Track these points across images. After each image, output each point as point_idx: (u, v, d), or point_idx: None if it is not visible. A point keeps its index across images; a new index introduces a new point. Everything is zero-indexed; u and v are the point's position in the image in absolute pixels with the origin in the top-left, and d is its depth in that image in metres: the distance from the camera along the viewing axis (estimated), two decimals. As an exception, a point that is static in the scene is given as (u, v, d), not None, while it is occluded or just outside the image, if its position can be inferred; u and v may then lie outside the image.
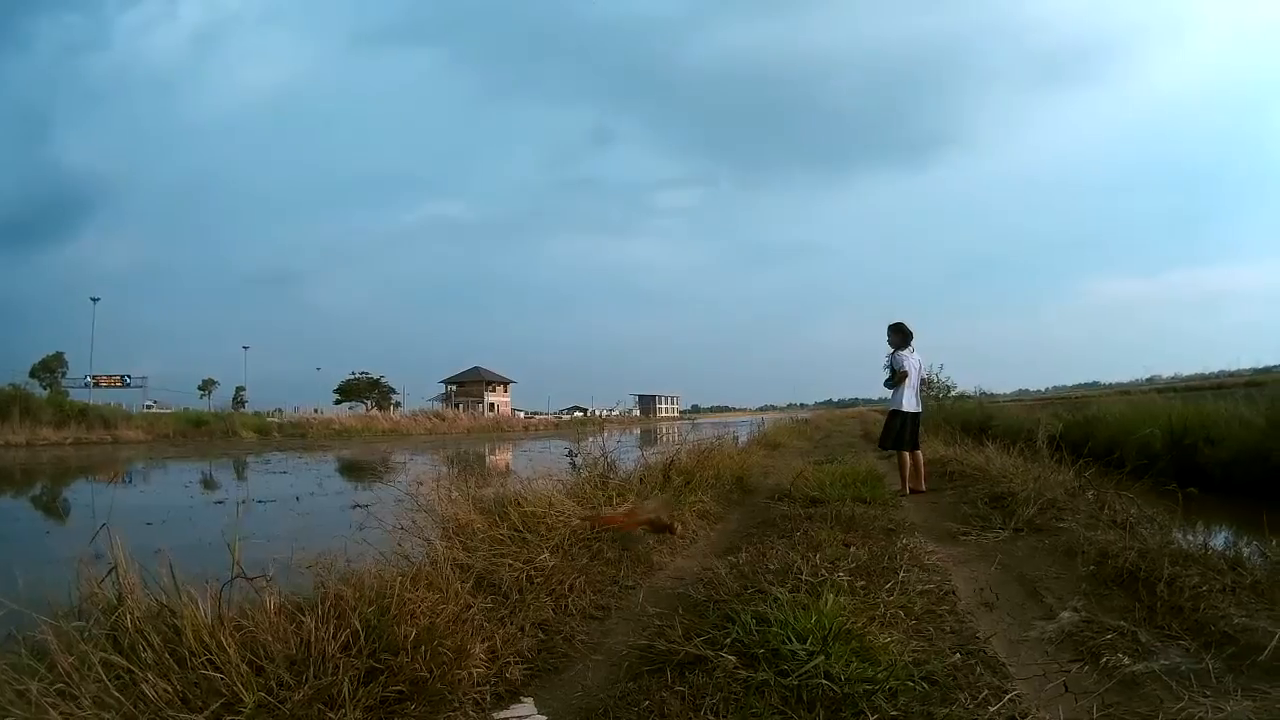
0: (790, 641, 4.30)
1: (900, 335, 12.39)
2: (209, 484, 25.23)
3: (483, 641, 4.78)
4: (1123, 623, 5.17)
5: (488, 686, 4.47)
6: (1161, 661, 4.55)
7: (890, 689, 3.95)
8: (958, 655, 4.58)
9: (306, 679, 4.01)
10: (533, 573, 6.18)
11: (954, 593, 6.12)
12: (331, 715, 3.88)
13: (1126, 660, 4.58)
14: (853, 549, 7.09)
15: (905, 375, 12.25)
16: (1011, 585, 6.60)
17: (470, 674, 4.43)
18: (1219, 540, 7.83)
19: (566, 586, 6.14)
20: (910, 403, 12.30)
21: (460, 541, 6.61)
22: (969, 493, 11.27)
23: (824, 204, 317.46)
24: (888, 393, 12.43)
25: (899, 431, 12.40)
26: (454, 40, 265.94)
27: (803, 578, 5.93)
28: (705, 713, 3.84)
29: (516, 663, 4.81)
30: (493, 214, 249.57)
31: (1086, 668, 4.62)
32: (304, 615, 4.44)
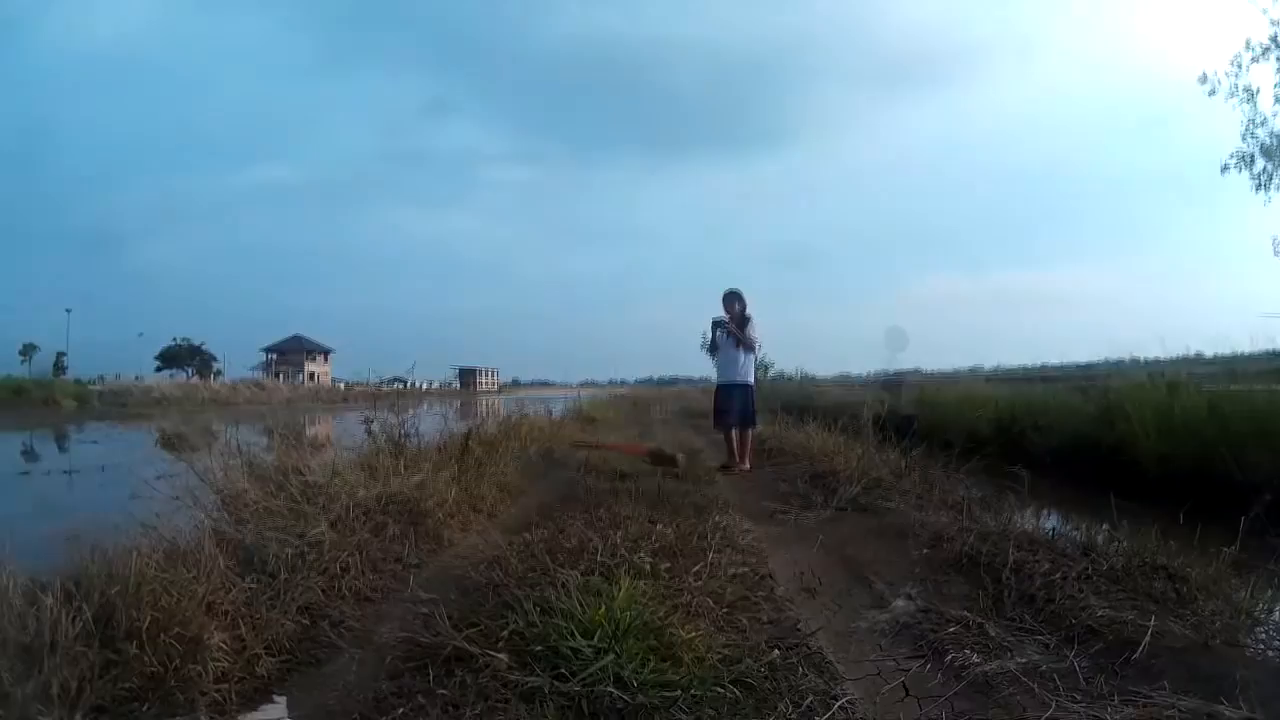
0: (573, 637, 3.63)
1: (725, 303, 12.01)
2: (18, 455, 24.35)
3: (229, 629, 4.09)
4: (967, 613, 4.65)
5: (233, 684, 3.78)
6: (1018, 659, 4.04)
7: (694, 696, 3.29)
8: (776, 651, 3.97)
9: (42, 670, 3.36)
10: (305, 549, 5.42)
11: (771, 576, 5.56)
12: (47, 716, 3.21)
13: (976, 658, 4.07)
14: (659, 526, 6.49)
15: (714, 345, 11.99)
16: (836, 569, 6.11)
17: (206, 669, 3.73)
18: (1055, 525, 7.60)
19: (340, 565, 5.43)
20: (724, 374, 11.97)
21: (232, 513, 5.91)
22: (788, 471, 10.94)
23: (655, 187, 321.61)
24: (709, 370, 12.27)
25: (716, 406, 12.11)
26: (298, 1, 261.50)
27: (598, 559, 5.29)
28: (464, 726, 3.18)
29: (270, 655, 4.12)
30: (322, 180, 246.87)
31: (929, 666, 4.08)
32: (45, 596, 3.73)
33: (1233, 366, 16.09)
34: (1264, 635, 4.83)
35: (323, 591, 5.05)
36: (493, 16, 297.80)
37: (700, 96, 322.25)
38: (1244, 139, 6.09)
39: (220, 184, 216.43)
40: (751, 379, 12.16)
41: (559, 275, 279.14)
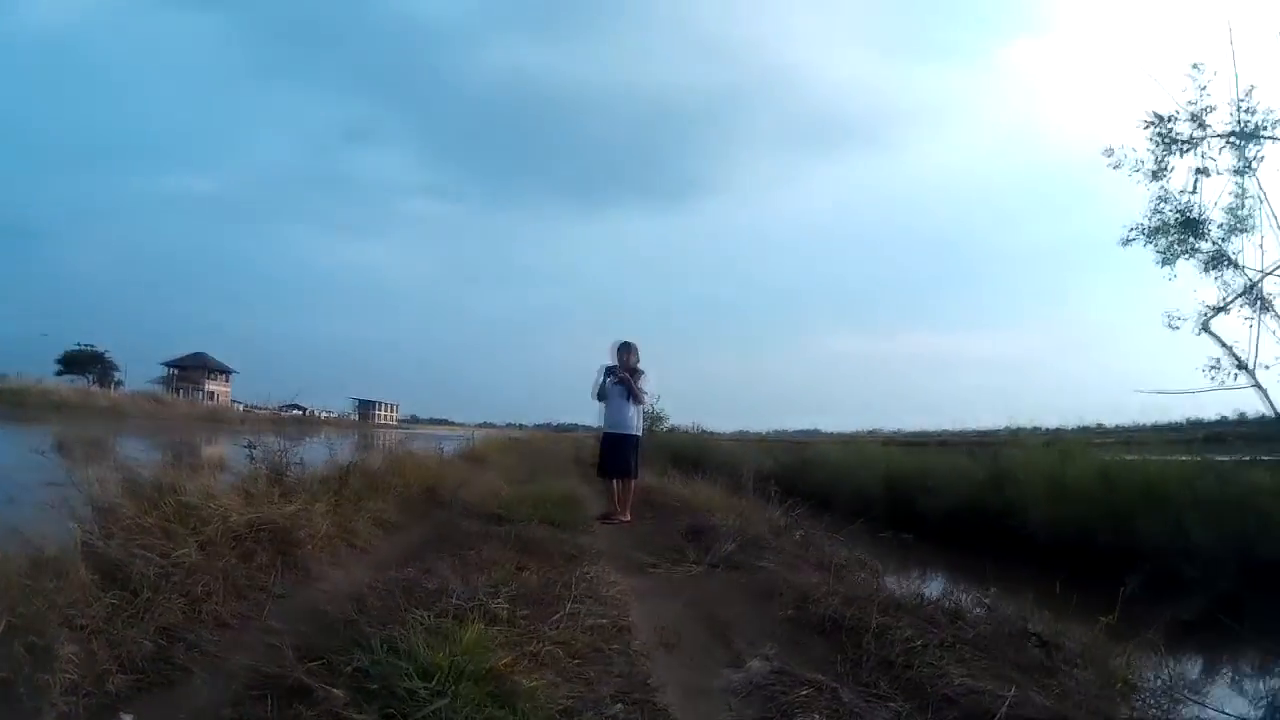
0: (411, 678, 3.63)
1: (618, 353, 12.07)
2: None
3: (84, 643, 4.06)
4: (821, 677, 4.68)
5: (80, 697, 3.76)
6: None
7: None
8: (619, 705, 4.02)
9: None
10: (171, 569, 5.37)
11: (630, 629, 5.53)
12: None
13: None
14: (526, 573, 6.55)
15: (603, 392, 12.00)
16: (698, 625, 6.16)
17: (55, 679, 3.71)
18: (936, 589, 7.63)
19: (203, 589, 5.37)
20: (612, 423, 12.01)
21: (103, 527, 5.77)
22: (668, 524, 10.92)
23: (569, 232, 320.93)
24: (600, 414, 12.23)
25: (602, 455, 12.19)
26: (232, 9, 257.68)
27: (453, 602, 5.27)
28: (293, 762, 3.21)
29: (123, 672, 4.10)
30: (239, 195, 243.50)
31: None
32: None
33: (1129, 436, 16.48)
34: (1139, 704, 4.99)
35: (183, 614, 5.00)
36: (422, 46, 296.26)
37: (623, 145, 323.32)
38: (1148, 217, 6.39)
39: (135, 188, 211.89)
40: (639, 430, 12.18)
41: (467, 314, 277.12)
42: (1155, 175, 6.23)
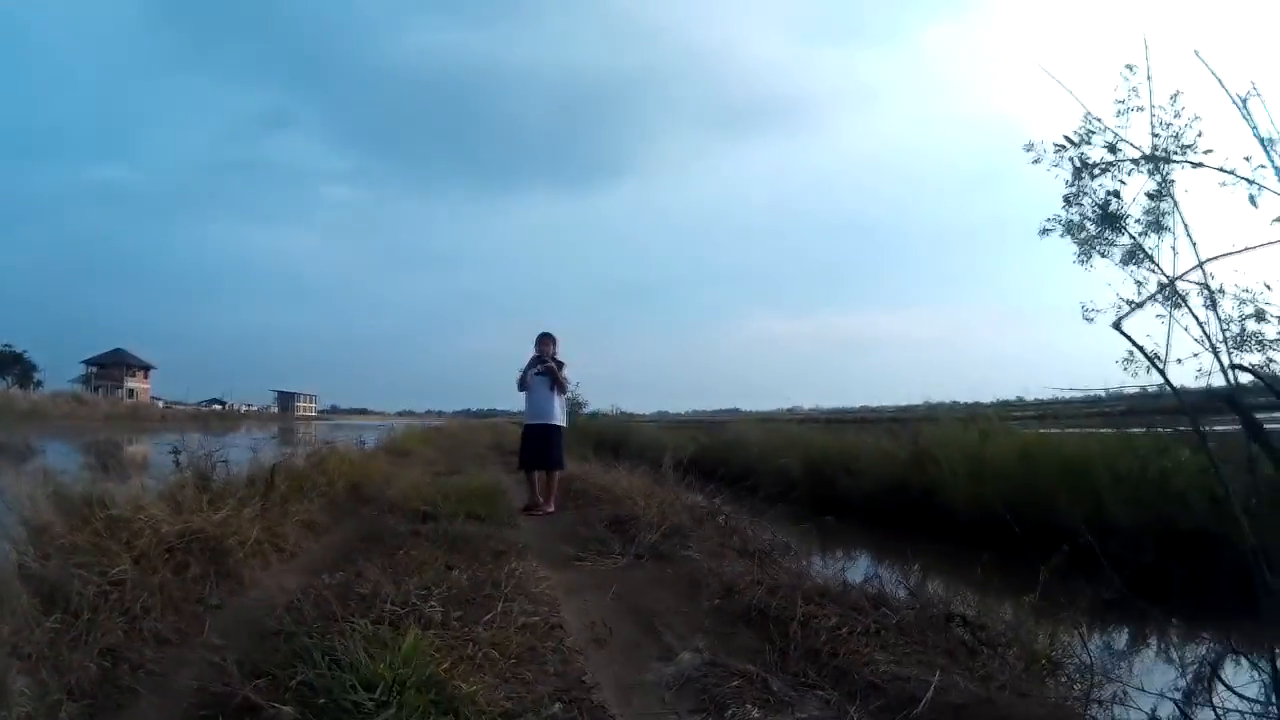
0: (355, 690, 3.71)
1: (539, 343, 12.19)
2: None
3: (33, 673, 4.09)
4: (751, 667, 4.80)
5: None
6: (797, 715, 4.22)
7: None
8: (558, 705, 4.12)
9: None
10: (108, 588, 5.41)
11: (562, 626, 5.63)
12: None
13: (755, 713, 4.23)
14: (455, 572, 6.63)
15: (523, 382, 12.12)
16: (627, 619, 6.26)
17: (11, 714, 3.76)
18: (860, 573, 7.70)
19: (141, 606, 5.40)
20: (535, 414, 12.09)
21: (37, 547, 5.80)
22: (592, 514, 10.97)
23: (487, 218, 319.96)
24: (522, 403, 12.30)
25: (524, 447, 12.23)
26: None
27: (388, 607, 5.36)
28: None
29: (72, 699, 4.12)
30: (156, 187, 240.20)
31: None
32: None
33: (1048, 410, 16.74)
34: (1064, 679, 5.19)
35: (124, 633, 5.03)
36: (340, 31, 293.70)
37: (542, 127, 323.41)
38: (1065, 208, 6.47)
39: (48, 181, 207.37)
40: (562, 420, 12.25)
41: (385, 301, 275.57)
42: (1068, 200, 6.42)
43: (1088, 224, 6.28)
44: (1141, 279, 5.93)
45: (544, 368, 11.97)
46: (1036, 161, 6.59)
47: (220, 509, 7.64)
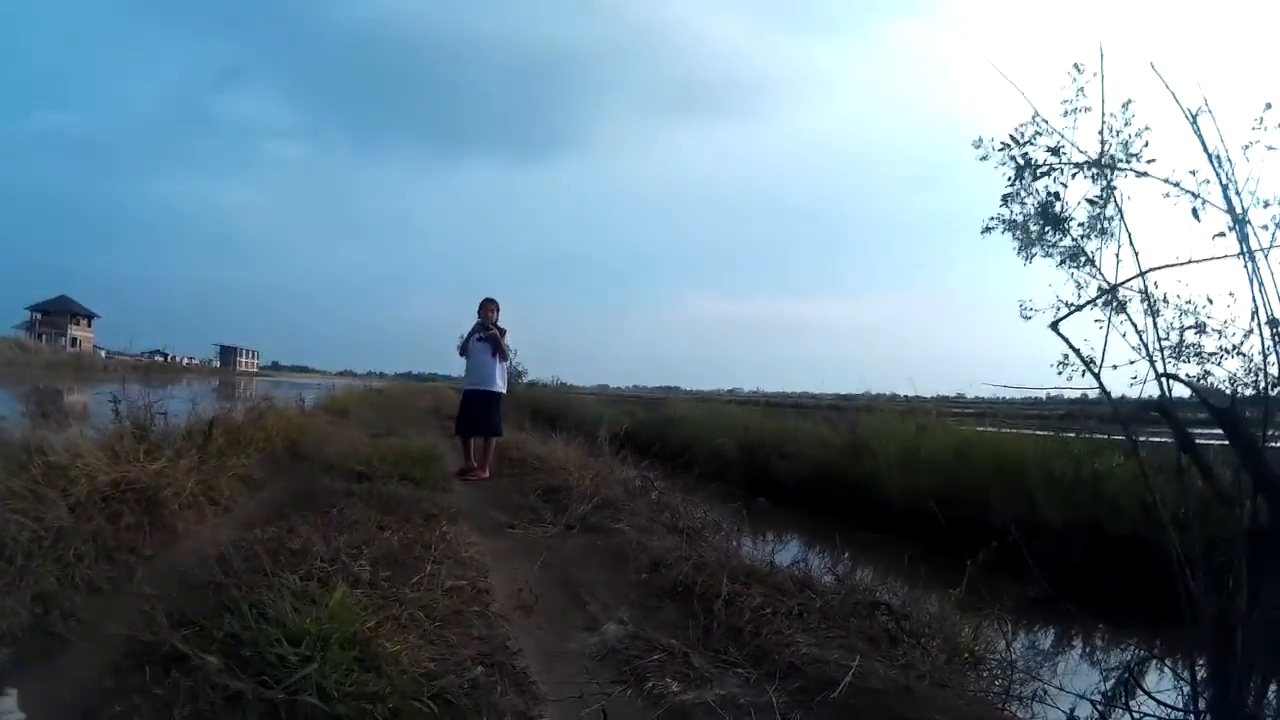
0: (280, 644, 3.75)
1: (482, 309, 12.18)
2: None
3: None
4: (674, 641, 4.89)
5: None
6: (717, 691, 4.25)
7: (392, 709, 3.45)
8: (480, 668, 4.12)
9: None
10: (43, 534, 5.42)
11: (488, 591, 5.68)
12: None
13: (675, 686, 4.30)
14: (387, 533, 6.70)
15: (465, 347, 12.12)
16: (554, 588, 6.36)
17: None
18: (789, 556, 7.87)
19: (74, 553, 5.40)
20: (475, 380, 12.08)
21: None
22: (525, 483, 11.09)
23: (433, 182, 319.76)
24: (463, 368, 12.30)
25: (462, 413, 12.28)
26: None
27: (317, 564, 5.43)
28: (174, 727, 3.36)
29: (3, 644, 4.17)
30: (103, 136, 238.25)
31: (630, 691, 4.32)
32: None
33: (988, 409, 16.91)
34: (984, 674, 5.34)
35: (57, 580, 5.05)
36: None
37: (491, 96, 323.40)
38: (1001, 206, 6.54)
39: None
40: (502, 388, 12.30)
41: (329, 260, 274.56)
42: (1007, 201, 6.50)
43: (1030, 224, 6.39)
44: (1082, 281, 6.04)
45: (487, 334, 11.98)
46: (984, 159, 6.68)
47: (157, 460, 7.65)
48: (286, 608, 4.14)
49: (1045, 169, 6.16)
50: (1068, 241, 6.35)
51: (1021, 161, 6.19)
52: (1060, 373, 6.22)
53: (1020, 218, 6.77)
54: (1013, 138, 6.20)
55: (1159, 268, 5.18)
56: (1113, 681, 6.61)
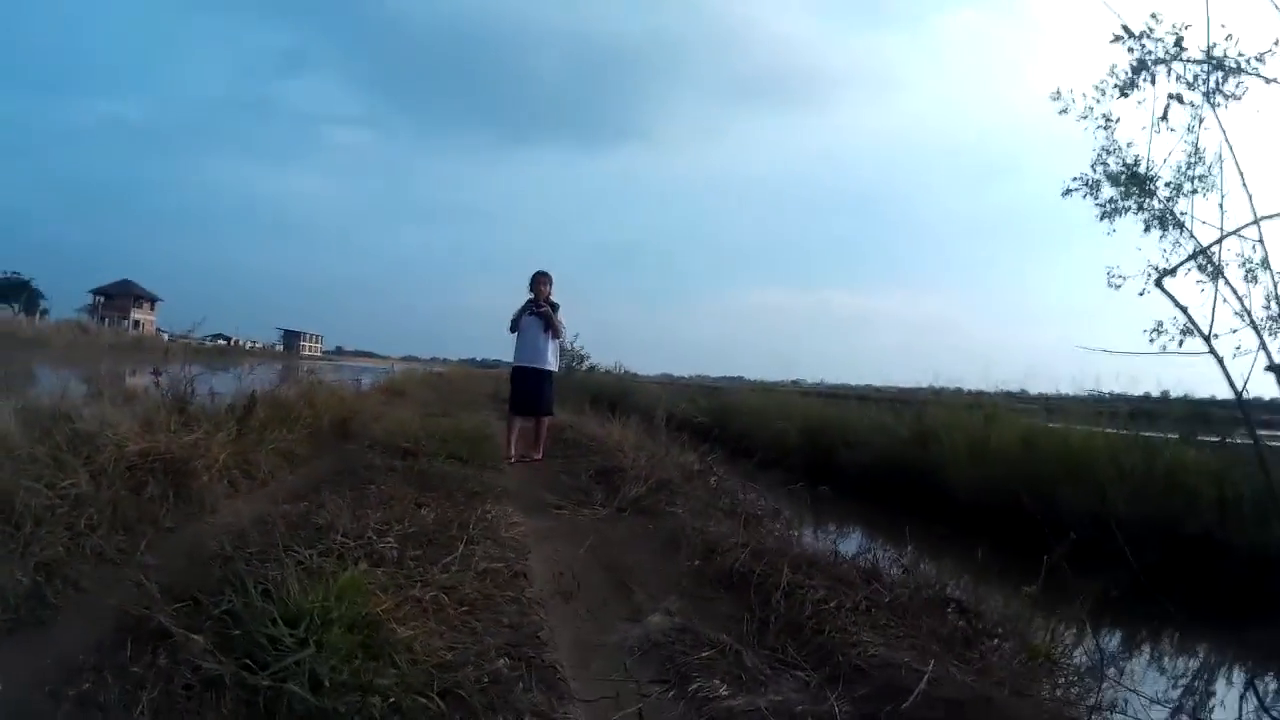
0: (274, 624, 3.34)
1: (533, 283, 11.83)
2: None
3: None
4: (725, 637, 4.37)
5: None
6: (771, 696, 3.74)
7: (392, 705, 2.99)
8: (504, 660, 3.68)
9: None
10: (57, 501, 5.21)
11: (526, 575, 5.24)
12: None
13: (724, 689, 3.79)
14: (424, 510, 6.31)
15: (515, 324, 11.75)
16: (599, 573, 5.93)
17: None
18: (852, 547, 7.40)
19: (85, 522, 5.16)
20: (524, 356, 11.75)
21: None
22: (579, 464, 10.72)
23: (500, 169, 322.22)
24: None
25: (513, 390, 11.95)
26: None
27: (337, 539, 5.02)
28: (140, 713, 3.02)
29: None
30: (167, 121, 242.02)
31: (672, 693, 3.82)
32: None
33: (1053, 404, 16.45)
34: (1061, 680, 4.86)
35: (65, 549, 4.81)
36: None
37: (556, 85, 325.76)
38: (1093, 166, 6.22)
39: (60, 114, 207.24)
40: (554, 365, 12.01)
41: (393, 246, 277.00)
42: (1123, 91, 6.02)
43: (1114, 183, 5.97)
44: (1170, 245, 5.62)
45: (539, 310, 11.63)
46: (1064, 111, 6.26)
47: (193, 432, 7.44)
48: (292, 585, 3.74)
49: (1163, 62, 5.70)
50: (1155, 204, 5.93)
51: (1139, 59, 5.73)
52: (1153, 340, 5.81)
53: (1102, 178, 6.35)
54: (1126, 29, 5.74)
55: (1276, 215, 4.74)
56: (1198, 686, 6.25)
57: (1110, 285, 6.22)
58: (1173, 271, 5.46)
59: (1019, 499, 7.12)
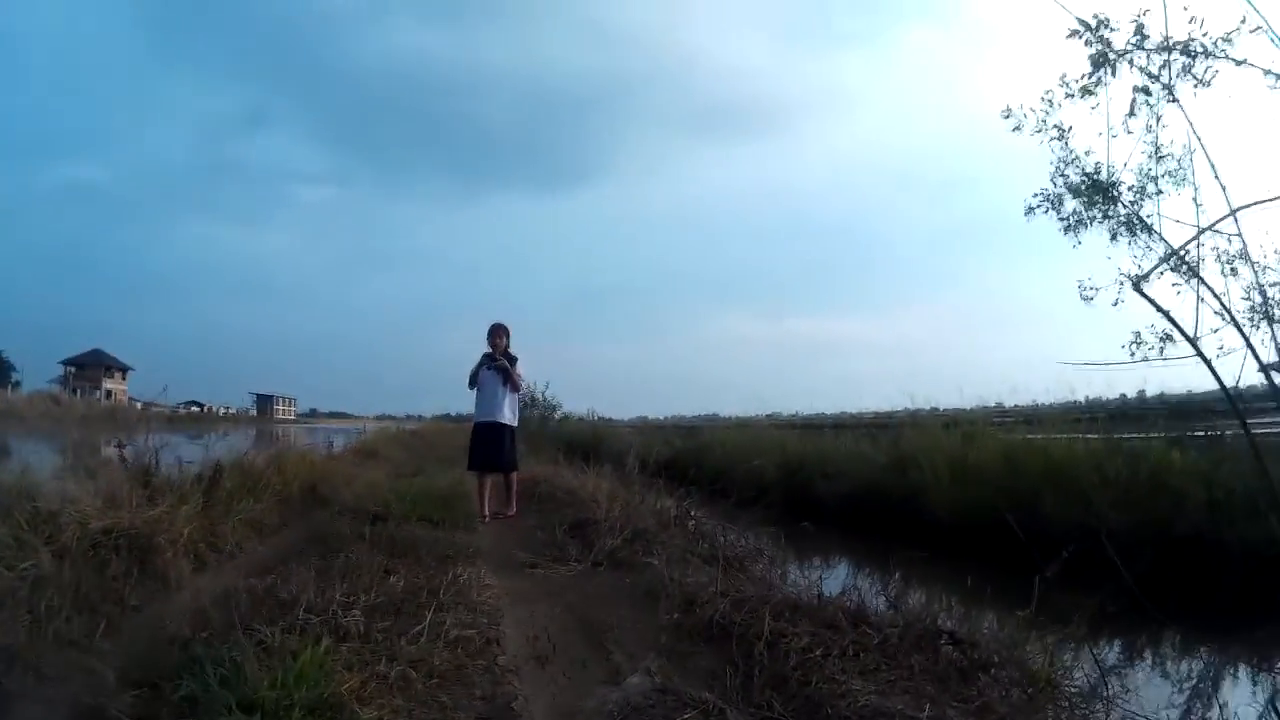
0: (229, 712, 3.20)
1: (491, 335, 11.81)
2: None
3: None
4: (708, 695, 4.24)
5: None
6: None
7: None
8: None
9: None
10: (18, 583, 5.09)
11: (499, 642, 5.08)
12: None
13: None
14: (393, 578, 6.14)
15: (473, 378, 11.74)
16: (575, 633, 5.82)
17: None
18: (837, 582, 7.25)
19: (45, 605, 4.95)
20: (484, 412, 11.70)
21: None
22: (553, 517, 10.55)
23: (462, 217, 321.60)
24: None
25: (472, 447, 11.90)
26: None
27: (299, 614, 4.82)
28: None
29: None
30: (128, 187, 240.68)
31: None
32: None
33: (1031, 416, 16.46)
34: (1064, 704, 4.74)
35: (26, 633, 4.66)
36: (311, 30, 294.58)
37: (512, 128, 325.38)
38: (1052, 180, 6.22)
39: (20, 180, 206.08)
40: (513, 420, 11.90)
41: (362, 301, 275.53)
42: (1086, 90, 5.99)
43: (1076, 194, 5.95)
44: (1140, 250, 5.59)
45: (495, 364, 11.61)
46: (1016, 129, 6.25)
47: (158, 505, 7.30)
48: (251, 667, 3.63)
49: (1131, 49, 5.67)
50: (1121, 210, 5.90)
51: (1102, 51, 5.70)
52: (1134, 353, 5.77)
53: (1063, 191, 6.33)
54: (1084, 23, 5.72)
55: (1252, 204, 4.72)
56: (1200, 696, 6.19)
57: (1083, 298, 6.20)
58: (1146, 276, 5.42)
59: (1003, 517, 7.03)
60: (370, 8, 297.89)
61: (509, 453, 11.75)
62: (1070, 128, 6.10)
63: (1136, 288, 4.96)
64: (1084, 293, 6.04)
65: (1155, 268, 5.29)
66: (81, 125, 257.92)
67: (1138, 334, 5.40)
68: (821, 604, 5.83)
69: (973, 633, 5.30)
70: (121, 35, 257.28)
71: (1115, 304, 5.77)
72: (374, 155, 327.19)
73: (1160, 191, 5.61)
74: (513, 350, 11.87)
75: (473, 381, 11.73)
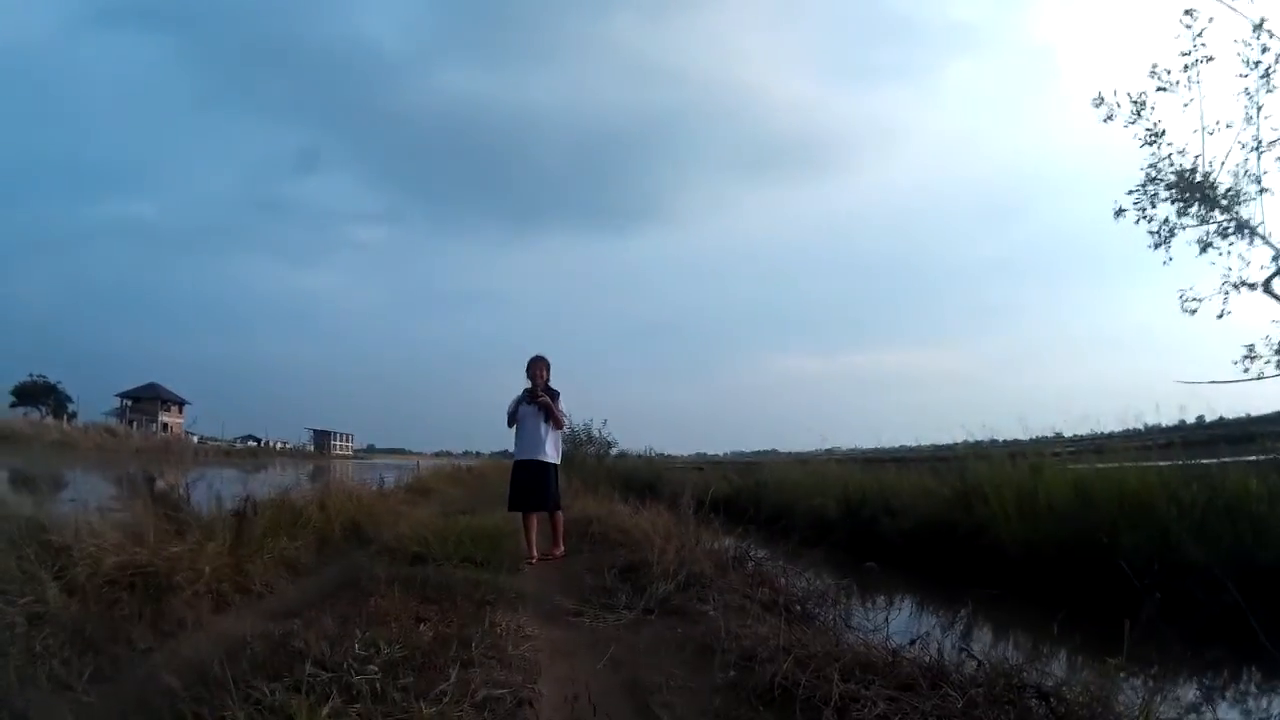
0: None
1: (531, 368, 11.34)
2: None
3: None
4: None
5: None
6: None
7: None
8: None
9: None
10: (17, 620, 4.77)
11: (533, 703, 4.54)
12: None
13: None
14: (423, 626, 5.63)
15: (512, 416, 11.24)
16: (619, 694, 5.17)
17: None
18: (905, 624, 6.91)
19: (40, 645, 4.65)
20: (525, 450, 11.20)
21: None
22: (603, 560, 10.03)
23: (513, 257, 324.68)
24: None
25: (512, 486, 11.36)
26: (176, 34, 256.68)
27: (308, 670, 4.30)
28: None
29: None
30: (186, 223, 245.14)
31: None
32: None
33: (1100, 445, 15.92)
34: None
35: (17, 675, 4.31)
36: (366, 73, 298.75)
37: (566, 168, 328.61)
38: (1144, 186, 5.89)
39: (79, 216, 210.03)
40: (555, 458, 11.37)
41: (421, 340, 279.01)
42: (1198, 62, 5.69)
43: (1172, 189, 5.54)
44: (1239, 258, 5.17)
45: (538, 400, 11.12)
46: (1108, 119, 5.84)
47: (184, 542, 6.96)
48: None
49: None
50: (1220, 215, 5.50)
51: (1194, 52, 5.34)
52: (1246, 369, 5.34)
53: (1159, 189, 5.92)
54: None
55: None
56: None
57: (1184, 310, 5.78)
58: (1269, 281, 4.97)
59: (1073, 550, 6.52)
60: (424, 52, 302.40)
61: (552, 492, 11.28)
62: (1162, 130, 5.71)
63: (1267, 288, 4.51)
64: (1185, 304, 5.60)
65: (1265, 282, 4.84)
66: (135, 161, 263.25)
67: (1251, 347, 4.94)
68: (896, 660, 5.14)
69: (1060, 687, 4.67)
70: (175, 74, 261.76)
71: (1220, 315, 5.32)
72: (431, 197, 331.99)
73: (1265, 190, 5.20)
74: (555, 384, 11.42)
75: (511, 419, 11.25)
